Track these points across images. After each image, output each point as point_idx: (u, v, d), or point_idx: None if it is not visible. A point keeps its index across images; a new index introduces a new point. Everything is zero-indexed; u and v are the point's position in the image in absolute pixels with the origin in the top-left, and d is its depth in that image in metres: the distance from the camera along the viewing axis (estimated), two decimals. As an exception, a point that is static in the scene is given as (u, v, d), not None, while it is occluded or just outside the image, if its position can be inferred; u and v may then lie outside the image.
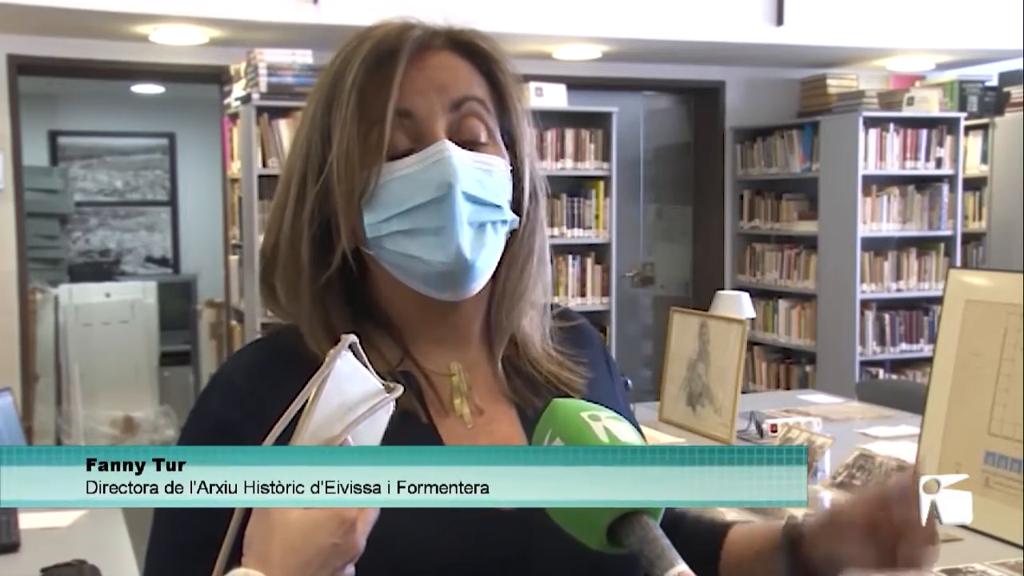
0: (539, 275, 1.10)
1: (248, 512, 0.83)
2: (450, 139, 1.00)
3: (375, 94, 0.99)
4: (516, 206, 1.05)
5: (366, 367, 0.90)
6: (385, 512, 0.84)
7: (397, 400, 0.91)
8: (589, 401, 0.92)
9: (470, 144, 1.01)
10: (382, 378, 0.91)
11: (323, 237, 1.02)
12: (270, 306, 1.08)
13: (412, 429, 1.00)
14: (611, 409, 0.88)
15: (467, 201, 0.98)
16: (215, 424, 1.01)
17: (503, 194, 1.03)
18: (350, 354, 0.88)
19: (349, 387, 0.88)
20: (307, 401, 0.85)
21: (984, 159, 6.38)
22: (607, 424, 0.84)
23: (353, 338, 0.88)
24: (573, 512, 0.82)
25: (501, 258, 1.05)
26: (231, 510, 0.83)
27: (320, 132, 1.02)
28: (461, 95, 1.02)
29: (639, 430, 1.21)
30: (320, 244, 1.02)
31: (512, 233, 1.05)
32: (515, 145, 1.06)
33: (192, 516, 0.98)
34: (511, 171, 1.05)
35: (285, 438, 0.85)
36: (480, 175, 1.00)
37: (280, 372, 1.01)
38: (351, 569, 0.85)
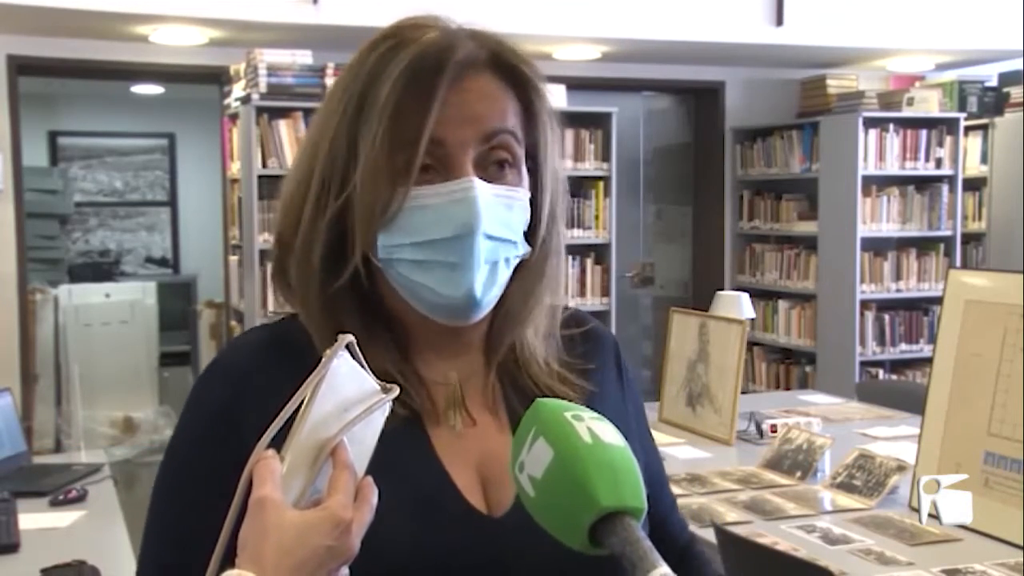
0: (548, 296, 1.09)
1: (243, 513, 0.82)
2: (476, 167, 0.99)
3: (409, 116, 0.97)
4: (531, 233, 1.04)
5: (363, 367, 0.89)
6: None
7: (394, 405, 0.90)
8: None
9: (494, 172, 1.00)
10: (379, 380, 0.90)
11: (338, 245, 1.01)
12: (282, 293, 1.07)
13: (405, 434, 1.00)
14: (614, 423, 0.85)
15: (487, 240, 0.98)
16: (217, 409, 1.00)
17: (520, 226, 1.03)
18: (347, 354, 0.88)
19: (345, 387, 0.87)
20: (303, 401, 0.84)
21: (984, 159, 6.38)
22: (590, 424, 0.83)
23: (350, 338, 0.88)
24: (555, 513, 0.82)
25: (510, 280, 1.04)
26: (218, 530, 0.83)
27: (347, 139, 1.00)
28: (494, 127, 1.00)
29: (651, 447, 1.21)
30: (334, 252, 1.01)
31: (525, 259, 1.04)
32: (538, 172, 1.05)
33: (177, 536, 0.99)
34: (530, 197, 1.04)
35: (281, 438, 0.84)
36: (502, 211, 1.00)
37: (282, 361, 1.00)
38: (345, 571, 0.85)
